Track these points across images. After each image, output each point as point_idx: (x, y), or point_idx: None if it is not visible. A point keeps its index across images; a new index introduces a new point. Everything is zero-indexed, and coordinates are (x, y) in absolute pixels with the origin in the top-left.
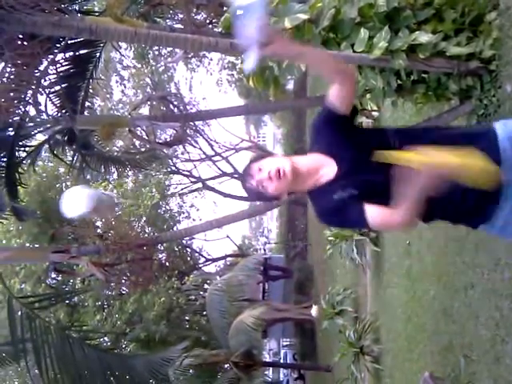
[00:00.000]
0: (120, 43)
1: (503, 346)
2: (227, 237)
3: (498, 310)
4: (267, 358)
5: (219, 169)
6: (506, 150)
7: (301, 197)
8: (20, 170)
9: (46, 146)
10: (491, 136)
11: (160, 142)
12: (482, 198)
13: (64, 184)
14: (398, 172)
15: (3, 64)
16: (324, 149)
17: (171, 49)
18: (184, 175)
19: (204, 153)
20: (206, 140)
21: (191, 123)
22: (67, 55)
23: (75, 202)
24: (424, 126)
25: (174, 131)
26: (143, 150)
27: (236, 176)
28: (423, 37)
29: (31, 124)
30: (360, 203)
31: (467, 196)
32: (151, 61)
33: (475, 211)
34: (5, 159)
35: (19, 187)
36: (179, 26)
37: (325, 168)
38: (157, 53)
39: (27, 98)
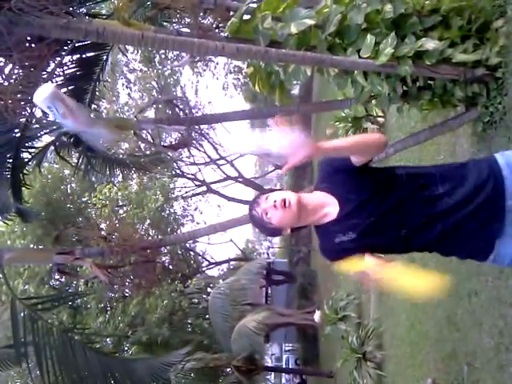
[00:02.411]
0: (127, 46)
1: (507, 354)
2: (231, 240)
3: (502, 317)
4: (269, 362)
5: (224, 172)
6: (507, 177)
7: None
8: (25, 171)
9: (52, 147)
10: (492, 163)
11: (165, 145)
12: (486, 224)
13: (69, 186)
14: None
15: (11, 66)
16: (331, 189)
17: (178, 52)
18: (188, 178)
19: (209, 156)
20: (211, 144)
21: (196, 127)
22: (74, 58)
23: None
24: (433, 164)
25: (180, 134)
26: (148, 152)
27: (240, 180)
28: (429, 43)
29: (37, 125)
30: (358, 250)
31: (470, 221)
32: (158, 64)
33: (480, 238)
34: (10, 160)
35: (24, 188)
36: (186, 29)
37: (329, 207)
38: (163, 56)
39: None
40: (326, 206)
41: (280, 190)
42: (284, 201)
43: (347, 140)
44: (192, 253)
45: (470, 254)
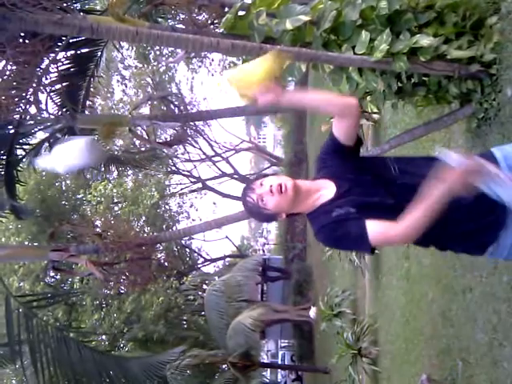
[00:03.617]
0: (121, 42)
1: (501, 349)
2: (226, 237)
3: (496, 313)
4: (265, 359)
5: (219, 169)
6: (505, 170)
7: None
8: (19, 168)
9: (46, 144)
10: (489, 157)
11: (160, 141)
12: (488, 215)
13: (64, 183)
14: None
15: (4, 62)
16: (327, 172)
17: (172, 49)
18: (184, 175)
19: (204, 153)
20: (206, 140)
21: (191, 123)
22: (68, 54)
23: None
24: (425, 155)
25: (175, 131)
26: (143, 149)
27: (236, 177)
28: (424, 40)
29: (31, 122)
30: (360, 218)
31: (473, 212)
32: (152, 60)
33: (481, 231)
34: (4, 157)
35: (18, 185)
36: (181, 26)
37: (324, 190)
38: (158, 53)
39: (28, 96)
40: (321, 190)
41: (273, 174)
42: (280, 185)
43: (313, 94)
44: (187, 250)
45: (468, 247)
